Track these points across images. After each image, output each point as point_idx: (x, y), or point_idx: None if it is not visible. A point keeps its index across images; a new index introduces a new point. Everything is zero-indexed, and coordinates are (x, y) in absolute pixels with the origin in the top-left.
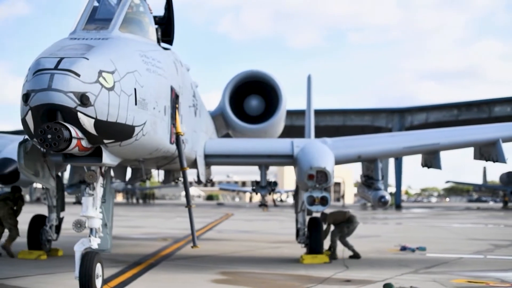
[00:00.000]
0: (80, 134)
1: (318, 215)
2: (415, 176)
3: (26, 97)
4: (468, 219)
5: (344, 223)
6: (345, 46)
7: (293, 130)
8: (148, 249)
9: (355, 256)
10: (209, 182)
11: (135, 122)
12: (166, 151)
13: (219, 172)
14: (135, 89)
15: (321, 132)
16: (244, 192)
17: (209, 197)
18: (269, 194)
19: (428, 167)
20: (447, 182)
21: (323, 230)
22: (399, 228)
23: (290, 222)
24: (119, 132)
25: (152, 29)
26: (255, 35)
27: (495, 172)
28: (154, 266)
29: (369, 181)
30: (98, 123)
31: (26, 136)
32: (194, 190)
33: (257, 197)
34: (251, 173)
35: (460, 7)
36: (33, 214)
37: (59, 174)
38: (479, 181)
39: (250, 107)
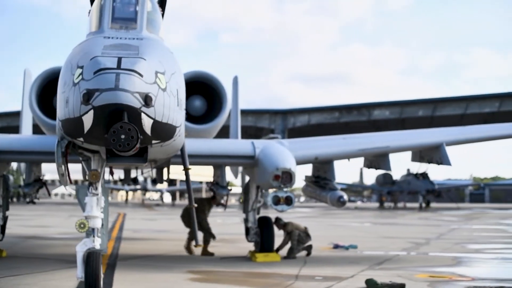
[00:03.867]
0: (139, 135)
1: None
2: None
3: (87, 96)
4: (361, 218)
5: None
6: (217, 46)
7: None
8: None
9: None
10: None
11: (177, 122)
12: (179, 151)
13: None
14: (177, 90)
15: None
16: (118, 190)
17: None
18: (227, 195)
19: (376, 169)
20: None
21: (273, 229)
22: (312, 228)
23: None
24: (166, 132)
25: (163, 28)
26: None
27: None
28: (113, 266)
29: (322, 182)
30: (154, 124)
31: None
32: (70, 189)
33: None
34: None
35: (331, 13)
36: None
37: (4, 173)
38: (350, 181)
39: (193, 108)
